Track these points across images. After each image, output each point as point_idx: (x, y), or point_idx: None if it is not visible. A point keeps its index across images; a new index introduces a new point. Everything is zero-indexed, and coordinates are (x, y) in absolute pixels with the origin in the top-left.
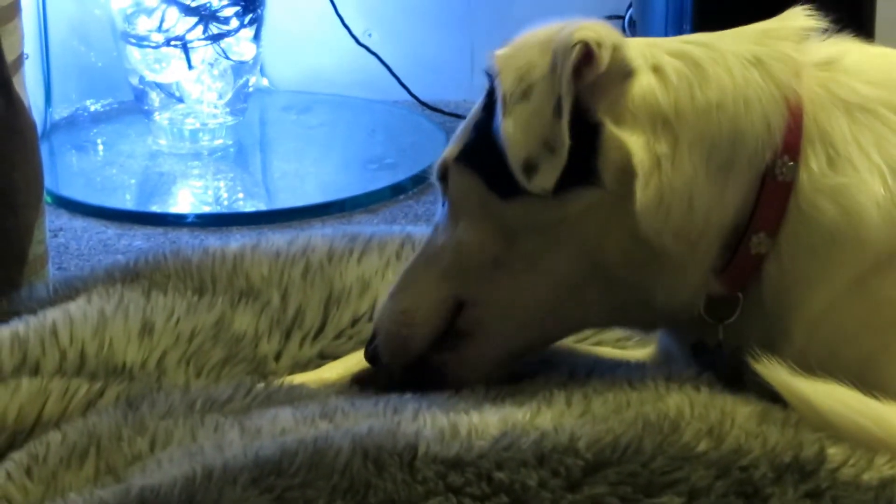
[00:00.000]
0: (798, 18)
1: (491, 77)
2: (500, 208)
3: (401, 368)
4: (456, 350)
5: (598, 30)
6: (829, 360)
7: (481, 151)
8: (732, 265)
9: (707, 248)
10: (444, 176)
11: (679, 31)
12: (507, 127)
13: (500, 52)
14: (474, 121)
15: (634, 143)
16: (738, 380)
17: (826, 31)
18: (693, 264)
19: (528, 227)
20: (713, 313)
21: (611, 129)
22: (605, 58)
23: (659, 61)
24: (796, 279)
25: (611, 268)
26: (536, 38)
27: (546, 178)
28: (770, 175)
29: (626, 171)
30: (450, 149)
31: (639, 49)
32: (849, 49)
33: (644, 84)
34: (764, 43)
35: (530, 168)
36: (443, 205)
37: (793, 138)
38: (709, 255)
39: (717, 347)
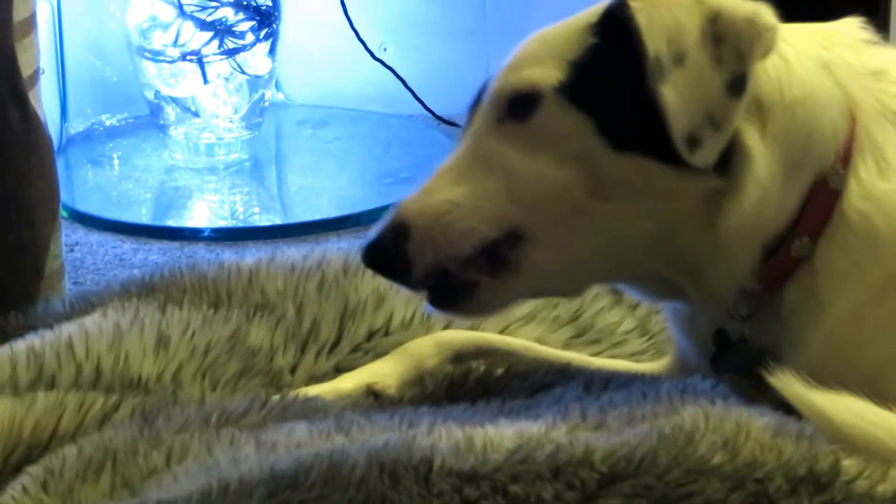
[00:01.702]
0: (854, 27)
1: (615, 17)
2: (607, 158)
3: (424, 275)
4: (494, 275)
5: (769, 12)
6: (843, 370)
7: (598, 92)
8: (769, 266)
9: (756, 247)
10: (518, 96)
11: None
12: (668, 94)
13: (635, 2)
14: (579, 53)
15: (755, 141)
16: (758, 377)
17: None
18: (742, 262)
19: (626, 187)
20: (740, 309)
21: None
22: (772, 42)
23: None
24: (826, 283)
25: (675, 245)
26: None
27: (709, 153)
28: (821, 181)
29: (743, 162)
30: (538, 71)
31: None
32: (888, 56)
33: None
34: (829, 47)
35: (694, 140)
36: (495, 117)
37: (848, 147)
38: (755, 255)
39: (739, 342)
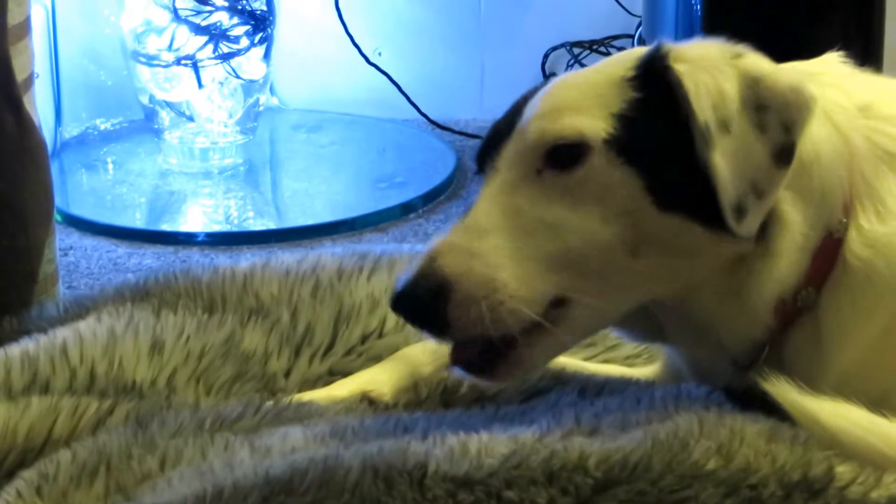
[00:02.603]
0: (836, 63)
1: (661, 77)
2: (651, 216)
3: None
4: (530, 337)
5: (792, 77)
6: (852, 392)
7: (646, 148)
8: (775, 316)
9: (774, 305)
10: (562, 145)
11: None
12: (718, 162)
13: (679, 65)
14: (624, 107)
15: (790, 208)
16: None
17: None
18: (757, 322)
19: (662, 245)
20: (740, 360)
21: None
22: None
23: None
24: (830, 330)
25: (697, 301)
26: (714, 60)
27: (753, 222)
28: (828, 232)
29: (777, 226)
30: (584, 121)
31: None
32: (880, 89)
33: None
34: (822, 93)
35: (740, 210)
36: (531, 165)
37: (848, 195)
38: (770, 312)
39: (747, 391)
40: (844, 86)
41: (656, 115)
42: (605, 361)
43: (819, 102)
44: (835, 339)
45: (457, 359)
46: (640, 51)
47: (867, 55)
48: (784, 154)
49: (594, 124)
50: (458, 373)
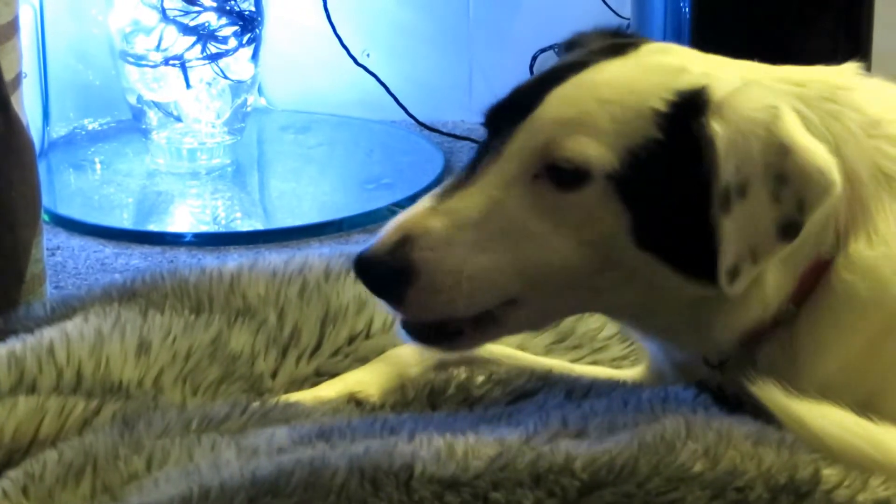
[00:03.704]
0: (853, 76)
1: (689, 130)
2: (628, 250)
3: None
4: (478, 327)
5: (826, 154)
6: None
7: (646, 191)
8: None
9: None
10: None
11: None
12: (727, 228)
13: (717, 124)
14: (640, 143)
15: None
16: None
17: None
18: (723, 343)
19: (630, 271)
20: (710, 358)
21: None
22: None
23: None
24: (806, 348)
25: (660, 315)
26: (753, 121)
27: (743, 284)
28: (816, 255)
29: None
30: (595, 148)
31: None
32: (889, 102)
33: None
34: (838, 116)
35: (734, 272)
36: (529, 171)
37: (843, 219)
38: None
39: (717, 389)
40: (858, 102)
41: (670, 163)
42: (592, 363)
43: (836, 134)
44: (810, 355)
45: (404, 323)
46: (683, 62)
47: (855, 59)
48: (790, 229)
49: (604, 155)
50: (402, 335)
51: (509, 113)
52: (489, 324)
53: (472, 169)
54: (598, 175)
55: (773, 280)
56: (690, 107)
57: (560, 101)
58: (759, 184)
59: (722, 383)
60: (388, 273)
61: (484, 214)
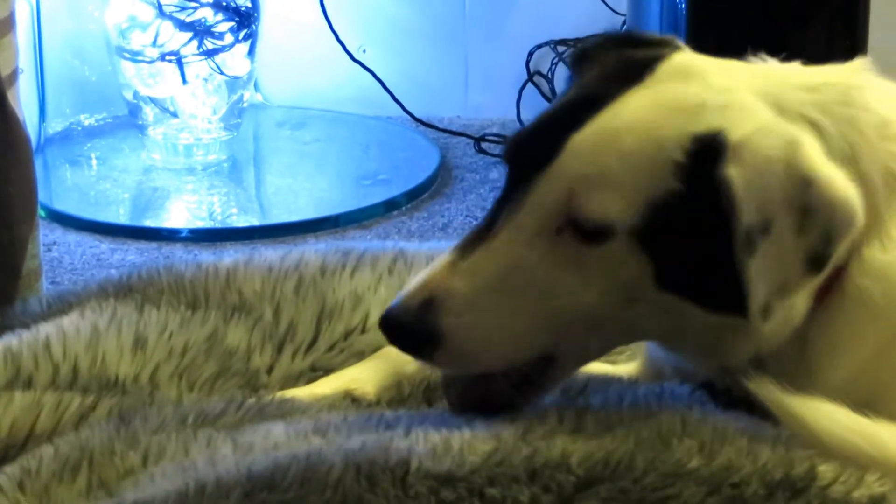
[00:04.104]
0: (863, 73)
1: (706, 174)
2: (650, 291)
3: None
4: (524, 390)
5: (848, 184)
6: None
7: (668, 242)
8: None
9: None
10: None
11: None
12: (753, 269)
13: (734, 169)
14: (660, 196)
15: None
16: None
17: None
18: (741, 358)
19: (662, 312)
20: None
21: None
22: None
23: None
24: (819, 352)
25: (681, 339)
26: (770, 158)
27: (775, 319)
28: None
29: None
30: (615, 205)
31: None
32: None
33: None
34: (853, 122)
35: (767, 309)
36: (551, 225)
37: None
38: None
39: (725, 391)
40: (869, 103)
41: (691, 212)
42: None
43: (852, 142)
44: (824, 357)
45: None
46: (701, 93)
47: (852, 55)
48: (818, 262)
49: (625, 211)
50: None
51: (529, 155)
52: (529, 384)
53: (494, 218)
54: (621, 231)
55: (799, 301)
56: (708, 154)
57: (580, 152)
58: (783, 219)
59: (731, 385)
60: (414, 337)
61: (508, 272)
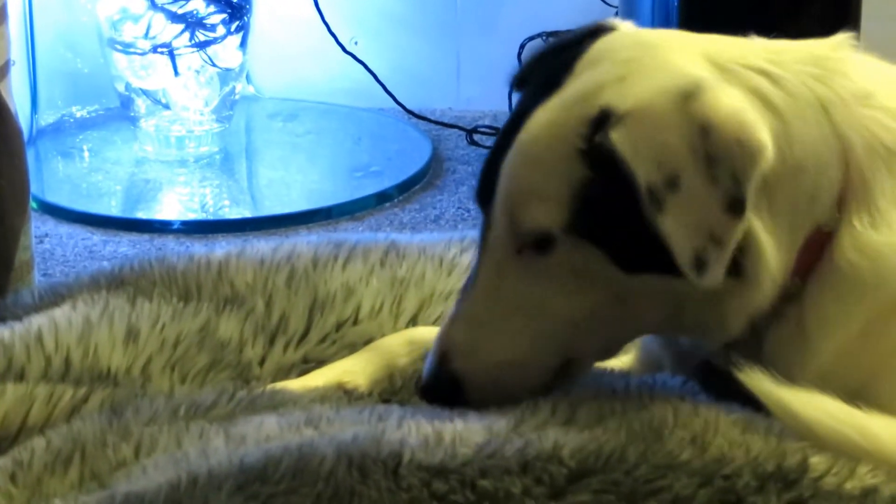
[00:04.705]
0: (846, 46)
1: (603, 151)
2: (622, 279)
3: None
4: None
5: (753, 118)
6: (830, 389)
7: (603, 227)
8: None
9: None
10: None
11: None
12: (665, 224)
13: (617, 136)
14: (578, 188)
15: (762, 231)
16: (725, 386)
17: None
18: (738, 327)
19: (645, 293)
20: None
21: (756, 225)
22: (772, 158)
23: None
24: (815, 322)
25: (682, 318)
26: (659, 114)
27: (716, 271)
28: (816, 226)
29: (755, 260)
30: (543, 213)
31: (723, 81)
32: (881, 76)
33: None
34: (824, 80)
35: (700, 264)
36: (513, 247)
37: (843, 191)
38: (765, 305)
39: (724, 371)
40: (849, 72)
41: (607, 190)
42: None
43: (820, 95)
44: (819, 331)
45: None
46: (598, 82)
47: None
48: (736, 206)
49: (554, 216)
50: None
51: (485, 190)
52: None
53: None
54: (559, 233)
55: (774, 255)
56: (596, 132)
57: (508, 174)
58: (691, 171)
59: (730, 364)
60: (442, 392)
61: (495, 304)
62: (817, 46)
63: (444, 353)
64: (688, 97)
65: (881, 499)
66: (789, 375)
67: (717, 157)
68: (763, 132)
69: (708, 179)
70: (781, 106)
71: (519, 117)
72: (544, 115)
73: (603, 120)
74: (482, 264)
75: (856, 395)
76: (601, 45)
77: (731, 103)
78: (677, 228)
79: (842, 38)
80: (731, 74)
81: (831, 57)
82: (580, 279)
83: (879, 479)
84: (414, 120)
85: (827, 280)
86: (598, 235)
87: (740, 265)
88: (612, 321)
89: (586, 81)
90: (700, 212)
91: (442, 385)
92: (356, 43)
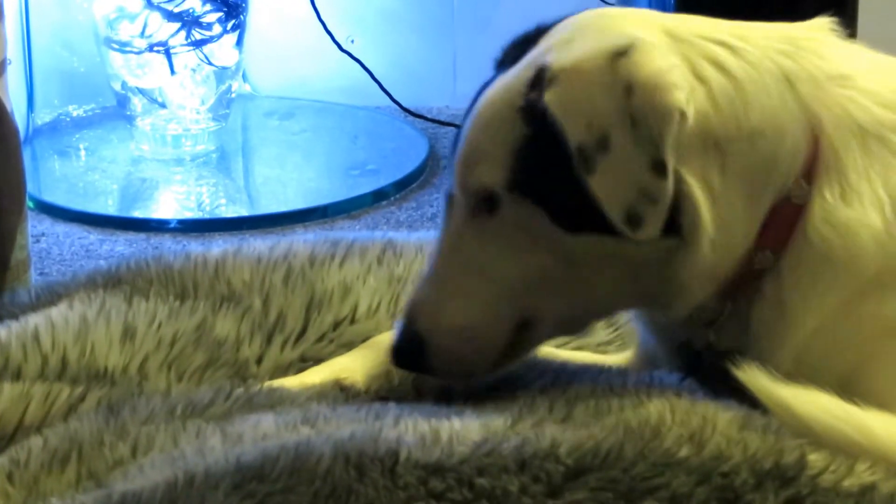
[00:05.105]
0: (823, 28)
1: (538, 113)
2: (565, 239)
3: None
4: (511, 355)
5: (678, 87)
6: (815, 375)
7: (541, 185)
8: (733, 277)
9: (717, 277)
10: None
11: None
12: (596, 183)
13: (550, 95)
14: (517, 145)
15: (700, 195)
16: (723, 383)
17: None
18: (701, 293)
19: (592, 256)
20: (701, 316)
21: (690, 180)
22: (691, 119)
23: (701, 70)
24: (792, 298)
25: (640, 286)
26: (589, 73)
27: (651, 227)
28: (784, 196)
29: (694, 221)
30: (487, 171)
31: (671, 47)
32: (864, 62)
33: (698, 103)
34: (793, 56)
35: (633, 220)
36: (468, 210)
37: (811, 163)
38: (715, 283)
39: (704, 350)
40: (824, 53)
41: (544, 148)
42: (578, 348)
43: (785, 68)
44: (797, 306)
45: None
46: (546, 46)
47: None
48: (658, 166)
49: (496, 174)
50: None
51: (452, 157)
52: (519, 352)
53: None
54: (501, 192)
55: (730, 221)
56: (533, 90)
57: (462, 137)
58: (619, 131)
59: (713, 342)
60: (408, 355)
61: (454, 266)
62: (793, 27)
63: (410, 315)
64: (618, 56)
65: (879, 496)
66: (772, 354)
67: (638, 117)
68: (680, 94)
69: (633, 140)
70: (739, 73)
71: (484, 87)
72: (500, 82)
73: (541, 78)
74: (444, 228)
75: (844, 380)
76: (570, 19)
77: (657, 64)
78: (607, 188)
79: (821, 21)
80: (686, 44)
81: (805, 37)
82: (526, 239)
83: (878, 476)
84: (410, 118)
85: (801, 255)
86: (537, 193)
87: (679, 224)
88: (564, 285)
89: (540, 47)
90: (629, 172)
91: (408, 346)
92: (352, 41)
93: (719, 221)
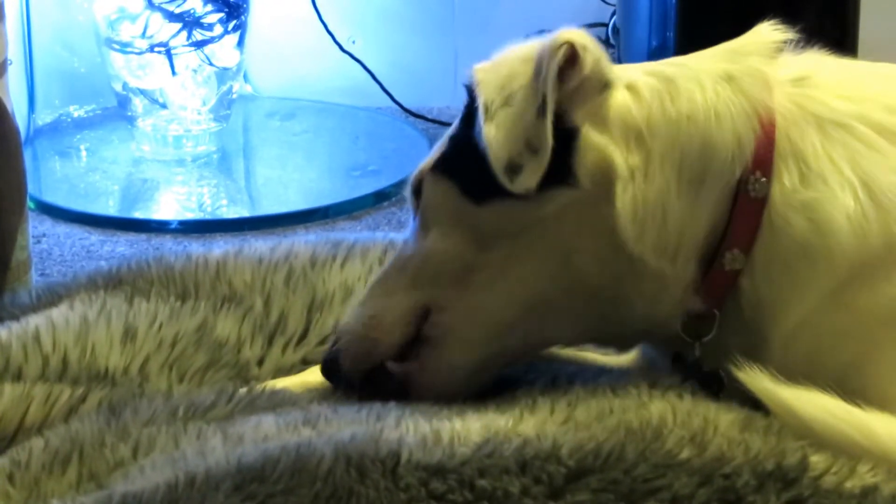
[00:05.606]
0: (766, 33)
1: (470, 90)
2: (474, 213)
3: (361, 378)
4: (420, 358)
5: (583, 36)
6: (808, 371)
7: (456, 159)
8: (707, 281)
9: (684, 262)
10: (418, 189)
11: (663, 38)
12: (489, 131)
13: (479, 65)
14: (450, 133)
15: (613, 150)
16: (715, 395)
17: (797, 42)
18: (672, 278)
19: (502, 232)
20: (690, 331)
21: (589, 132)
22: (588, 61)
23: (633, 79)
24: (771, 294)
25: (587, 277)
26: (517, 51)
27: (529, 178)
28: (743, 191)
29: (604, 174)
30: (425, 162)
31: (616, 68)
32: (822, 64)
33: (619, 98)
34: (735, 60)
35: (513, 169)
36: (414, 219)
37: (765, 154)
38: (686, 271)
39: (694, 363)
40: (772, 56)
41: (464, 126)
42: (579, 350)
43: (726, 70)
44: (774, 301)
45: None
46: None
47: (842, 47)
48: (542, 107)
49: (431, 158)
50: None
51: None
52: (425, 348)
53: None
54: (426, 170)
55: (663, 202)
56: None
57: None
58: (524, 91)
59: (700, 359)
60: (327, 360)
61: (391, 268)
62: (736, 40)
63: (340, 328)
64: (558, 36)
65: (881, 497)
66: (759, 354)
67: (538, 68)
68: (578, 39)
69: (532, 92)
70: (670, 73)
71: None
72: None
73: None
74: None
75: (842, 374)
76: None
77: (581, 34)
78: (497, 135)
79: (764, 26)
80: (630, 69)
81: (749, 43)
82: (440, 221)
83: (880, 477)
84: (411, 119)
85: (770, 248)
86: (451, 168)
87: (574, 174)
88: (472, 267)
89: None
90: (521, 121)
91: (332, 350)
92: (353, 42)
93: (645, 198)
